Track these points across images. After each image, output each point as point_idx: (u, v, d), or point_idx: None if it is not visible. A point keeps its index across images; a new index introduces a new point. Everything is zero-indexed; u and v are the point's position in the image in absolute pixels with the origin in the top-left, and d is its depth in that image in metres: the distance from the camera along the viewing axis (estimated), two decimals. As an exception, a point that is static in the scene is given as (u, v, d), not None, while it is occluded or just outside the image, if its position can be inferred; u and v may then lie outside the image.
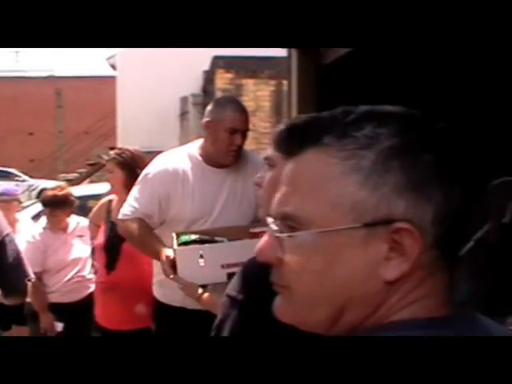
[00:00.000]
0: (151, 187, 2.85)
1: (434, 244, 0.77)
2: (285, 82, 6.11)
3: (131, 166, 3.60)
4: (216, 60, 11.35)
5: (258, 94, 10.99)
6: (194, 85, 13.38)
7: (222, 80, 11.23)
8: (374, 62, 4.35)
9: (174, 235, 2.67)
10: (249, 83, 11.10)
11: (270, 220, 0.83)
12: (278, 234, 0.81)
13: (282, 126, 0.83)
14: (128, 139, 11.52)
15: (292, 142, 0.83)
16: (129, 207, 2.89)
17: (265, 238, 0.84)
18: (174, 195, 2.83)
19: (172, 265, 2.59)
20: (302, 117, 0.84)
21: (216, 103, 2.97)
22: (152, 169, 2.90)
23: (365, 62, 4.25)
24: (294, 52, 4.44)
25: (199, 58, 11.95)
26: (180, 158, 2.91)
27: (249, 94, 10.93)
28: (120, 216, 2.94)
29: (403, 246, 0.75)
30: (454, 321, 0.78)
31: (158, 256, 2.74)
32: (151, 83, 13.40)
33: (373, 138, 0.77)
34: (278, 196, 0.83)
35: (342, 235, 0.76)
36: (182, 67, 12.92)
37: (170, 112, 13.96)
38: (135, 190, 2.91)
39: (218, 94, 10.35)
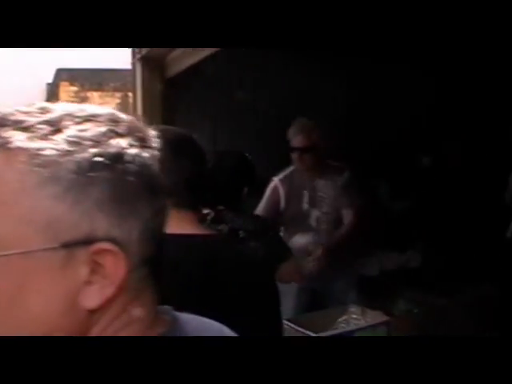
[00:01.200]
0: None
1: (141, 263, 0.69)
2: (131, 94, 6.18)
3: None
4: (60, 72, 11.15)
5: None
6: (37, 98, 13.04)
7: (67, 93, 11.05)
8: (218, 74, 4.54)
9: None
10: (94, 96, 11.00)
11: None
12: None
13: None
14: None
15: None
16: None
17: None
18: None
19: None
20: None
21: None
22: None
23: (208, 75, 4.44)
24: (138, 64, 4.54)
25: (43, 70, 11.70)
26: None
27: (94, 106, 10.85)
28: None
29: (105, 269, 0.66)
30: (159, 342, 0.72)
31: None
32: (-9, 96, 12.91)
33: (75, 144, 0.65)
34: None
35: (35, 258, 0.64)
36: (25, 79, 12.56)
37: (12, 126, 13.49)
38: None
39: (63, 107, 10.18)
